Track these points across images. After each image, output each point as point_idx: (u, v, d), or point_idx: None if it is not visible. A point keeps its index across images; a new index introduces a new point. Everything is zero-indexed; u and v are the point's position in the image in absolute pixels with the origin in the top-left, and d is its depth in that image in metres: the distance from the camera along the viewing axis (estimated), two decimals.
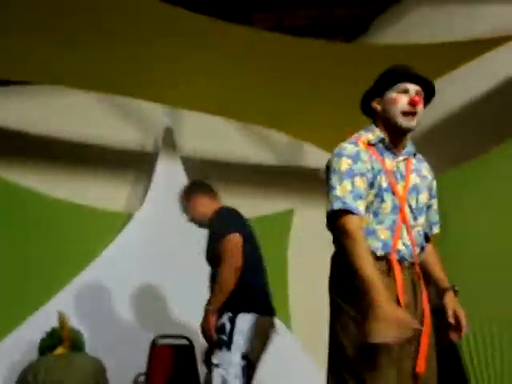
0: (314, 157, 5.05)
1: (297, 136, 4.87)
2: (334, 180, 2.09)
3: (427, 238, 2.30)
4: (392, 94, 2.15)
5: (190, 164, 4.67)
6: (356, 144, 2.15)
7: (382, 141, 2.19)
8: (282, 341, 4.36)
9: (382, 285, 1.93)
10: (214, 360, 2.70)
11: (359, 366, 1.97)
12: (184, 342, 3.63)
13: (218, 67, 3.82)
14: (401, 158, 2.20)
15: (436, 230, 2.35)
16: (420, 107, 2.15)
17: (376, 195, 2.13)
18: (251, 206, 4.81)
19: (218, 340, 2.72)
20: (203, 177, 4.68)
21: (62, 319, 3.43)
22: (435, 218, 2.34)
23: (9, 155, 4.30)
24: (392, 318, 1.86)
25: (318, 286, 4.56)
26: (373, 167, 2.14)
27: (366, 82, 2.24)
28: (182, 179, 4.62)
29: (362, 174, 2.09)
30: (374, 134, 2.19)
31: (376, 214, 2.13)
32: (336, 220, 2.06)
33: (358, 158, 2.11)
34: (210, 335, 2.73)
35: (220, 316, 2.76)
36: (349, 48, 4.12)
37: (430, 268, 2.29)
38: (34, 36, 3.42)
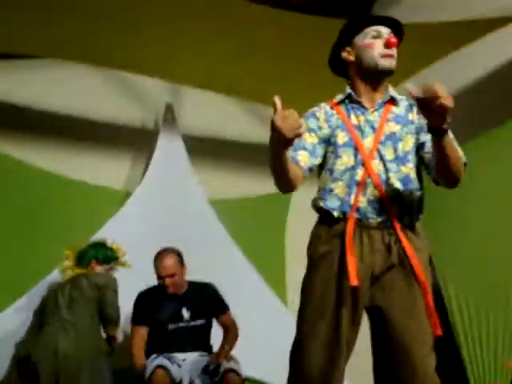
0: None
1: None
2: None
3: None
4: (365, 41, 2.03)
5: (190, 142, 4.65)
6: (320, 106, 2.13)
7: (348, 96, 2.08)
8: (279, 319, 4.42)
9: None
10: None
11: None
12: None
13: (219, 44, 3.80)
14: (372, 109, 2.05)
15: None
16: (395, 50, 2.02)
17: (332, 152, 2.04)
18: (250, 184, 4.81)
19: None
20: (203, 154, 4.69)
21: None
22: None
23: (8, 129, 4.29)
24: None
25: None
26: (329, 125, 2.06)
27: None
28: (182, 157, 4.61)
29: (311, 130, 2.05)
30: (345, 92, 2.10)
31: (332, 172, 2.02)
32: None
33: (310, 116, 2.09)
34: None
35: None
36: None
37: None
38: (33, 10, 3.39)
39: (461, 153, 1.95)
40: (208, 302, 3.59)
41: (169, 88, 4.72)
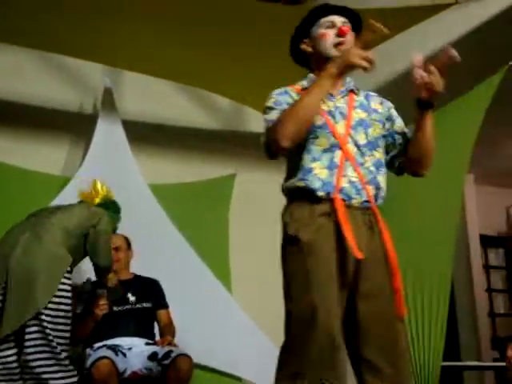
0: (255, 121, 5.04)
1: (238, 99, 4.84)
2: (264, 116, 2.11)
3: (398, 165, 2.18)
4: (318, 31, 2.13)
5: (130, 126, 4.58)
6: (285, 89, 2.16)
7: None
8: (222, 303, 4.44)
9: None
10: None
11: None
12: None
13: (160, 27, 3.75)
14: (338, 96, 2.13)
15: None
16: (349, 37, 2.11)
17: (309, 132, 2.06)
18: (193, 170, 4.79)
19: None
20: (143, 138, 4.63)
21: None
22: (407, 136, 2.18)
23: None
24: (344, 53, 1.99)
25: (258, 250, 4.63)
26: None
27: None
28: (122, 142, 4.53)
29: (287, 103, 2.08)
30: (308, 79, 2.17)
31: (309, 152, 2.05)
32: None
33: (283, 93, 2.13)
34: None
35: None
36: (295, 10, 4.09)
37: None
38: None
39: None
40: (152, 293, 3.66)
41: (108, 71, 4.60)
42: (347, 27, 2.10)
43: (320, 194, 2.01)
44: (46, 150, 4.42)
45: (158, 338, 3.60)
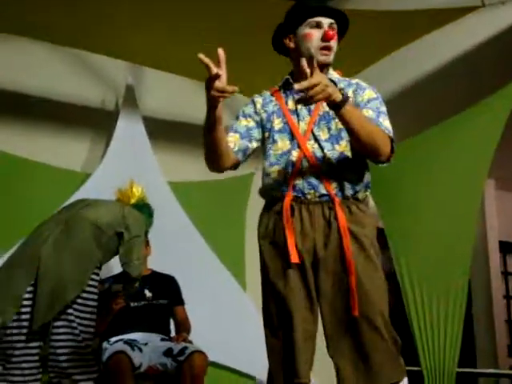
0: None
1: None
2: None
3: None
4: (304, 30, 2.07)
5: (150, 123, 4.60)
6: (261, 93, 2.23)
7: (287, 82, 2.16)
8: (237, 301, 4.45)
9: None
10: None
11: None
12: None
13: (183, 25, 3.76)
14: None
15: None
16: (334, 42, 2.07)
17: (268, 137, 2.13)
18: None
19: None
20: (163, 136, 4.64)
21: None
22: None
23: None
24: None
25: None
26: (265, 110, 2.15)
27: None
28: (143, 139, 4.56)
29: (247, 115, 2.16)
30: (283, 79, 2.18)
31: (268, 157, 2.11)
32: None
33: (249, 103, 2.21)
34: None
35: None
36: None
37: None
38: None
39: (382, 127, 1.99)
40: (169, 290, 3.69)
41: (130, 68, 4.64)
42: (334, 32, 2.05)
43: (275, 194, 2.06)
44: (67, 146, 4.46)
45: (173, 334, 3.62)
